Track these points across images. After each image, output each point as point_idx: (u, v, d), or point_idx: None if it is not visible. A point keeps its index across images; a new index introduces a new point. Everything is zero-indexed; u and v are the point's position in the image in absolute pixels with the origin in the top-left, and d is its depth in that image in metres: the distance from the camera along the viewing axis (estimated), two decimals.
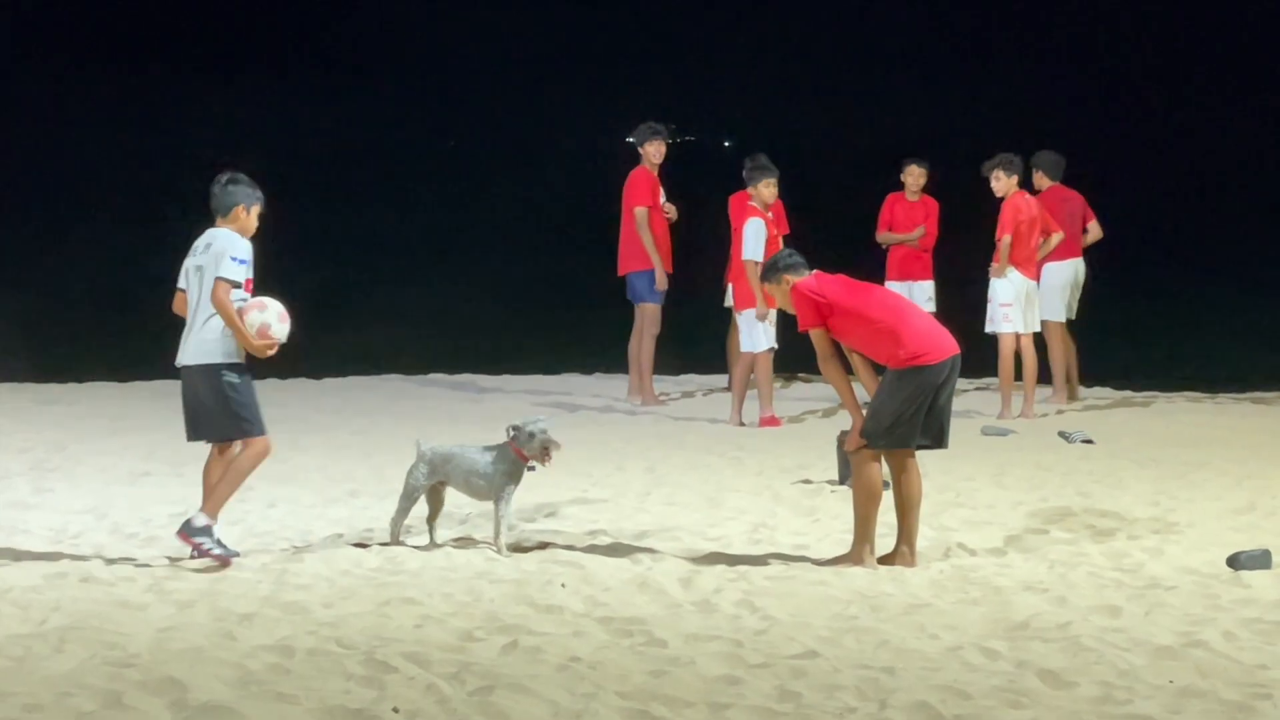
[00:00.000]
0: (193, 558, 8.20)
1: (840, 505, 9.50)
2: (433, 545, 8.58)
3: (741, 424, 13.37)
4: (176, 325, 8.37)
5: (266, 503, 9.73)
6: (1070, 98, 45.02)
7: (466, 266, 27.74)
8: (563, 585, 7.68)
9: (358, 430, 13.11)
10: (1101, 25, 50.42)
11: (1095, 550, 8.62)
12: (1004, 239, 13.59)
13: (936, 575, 8.03)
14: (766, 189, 13.41)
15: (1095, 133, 36.70)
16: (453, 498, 8.84)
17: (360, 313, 22.64)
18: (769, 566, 8.17)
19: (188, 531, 8.18)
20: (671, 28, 54.18)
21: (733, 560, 8.29)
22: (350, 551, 8.37)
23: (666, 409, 14.44)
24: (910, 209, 15.19)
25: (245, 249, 8.23)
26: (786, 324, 11.39)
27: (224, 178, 8.42)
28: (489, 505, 8.65)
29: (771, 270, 8.48)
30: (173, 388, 8.86)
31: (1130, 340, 19.82)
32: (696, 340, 17.10)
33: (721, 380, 15.60)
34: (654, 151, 14.28)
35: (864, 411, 8.21)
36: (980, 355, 12.76)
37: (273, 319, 8.20)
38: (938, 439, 8.24)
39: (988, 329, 13.76)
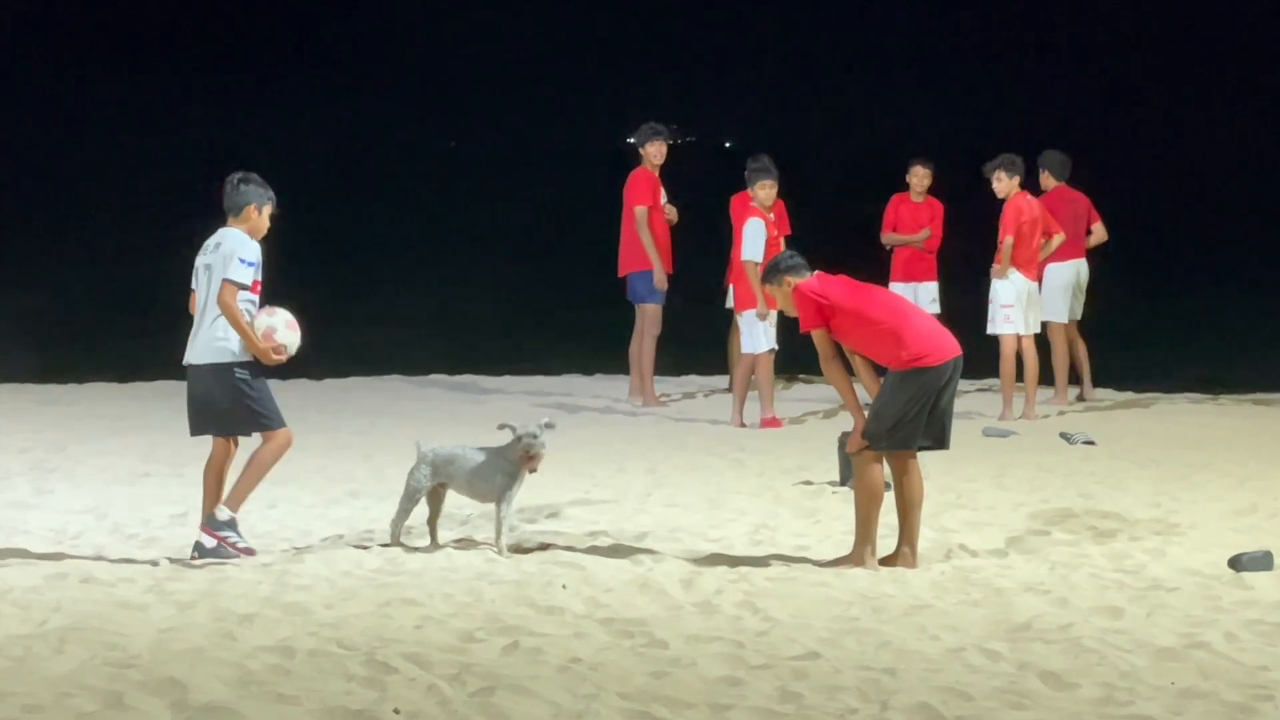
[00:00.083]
0: (193, 558, 8.21)
1: (841, 506, 9.50)
2: (434, 546, 8.57)
3: (742, 425, 13.35)
4: (181, 324, 8.37)
5: (267, 503, 9.71)
6: (1071, 98, 45.02)
7: (466, 266, 27.69)
8: (564, 586, 7.67)
9: (358, 431, 13.10)
10: (1103, 26, 50.48)
11: (1097, 551, 8.62)
12: (1006, 240, 13.58)
13: (938, 576, 8.03)
14: (763, 190, 13.38)
15: (1096, 133, 36.66)
16: (453, 498, 8.84)
17: (360, 313, 22.61)
18: (770, 568, 8.16)
19: (212, 526, 8.22)
20: (672, 28, 54.26)
21: (734, 561, 8.29)
22: (351, 552, 8.37)
23: (667, 410, 14.42)
24: (915, 210, 15.16)
25: (254, 251, 8.24)
26: (787, 325, 11.38)
27: (236, 177, 8.43)
28: (490, 506, 8.65)
29: (773, 272, 8.47)
30: (173, 388, 8.87)
31: (1131, 341, 19.79)
32: (697, 341, 17.08)
33: (722, 381, 15.57)
34: (655, 152, 14.26)
35: (865, 413, 8.21)
36: (981, 356, 12.74)
37: (279, 324, 8.23)
38: (939, 440, 8.24)
39: (989, 330, 13.74)
